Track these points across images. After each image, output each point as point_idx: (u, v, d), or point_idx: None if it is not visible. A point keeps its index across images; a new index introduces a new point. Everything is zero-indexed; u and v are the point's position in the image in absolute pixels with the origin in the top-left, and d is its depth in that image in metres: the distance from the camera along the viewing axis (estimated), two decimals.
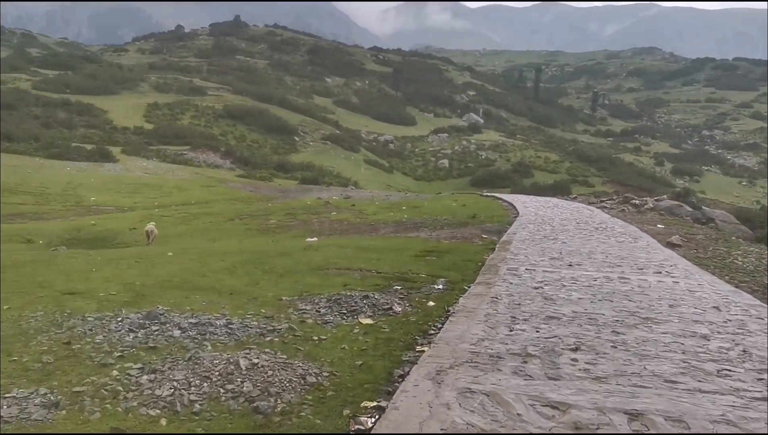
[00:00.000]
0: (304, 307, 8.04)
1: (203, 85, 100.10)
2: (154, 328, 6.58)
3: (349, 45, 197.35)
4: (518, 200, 32.82)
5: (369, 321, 7.55)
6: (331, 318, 7.60)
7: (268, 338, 6.54)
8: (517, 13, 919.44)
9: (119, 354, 5.77)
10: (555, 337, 6.71)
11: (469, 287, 9.77)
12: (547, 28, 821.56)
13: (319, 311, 7.89)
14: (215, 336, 6.48)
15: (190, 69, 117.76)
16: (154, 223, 20.72)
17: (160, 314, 7.07)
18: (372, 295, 8.71)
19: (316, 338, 6.65)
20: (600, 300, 8.71)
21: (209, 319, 7.07)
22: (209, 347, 6.09)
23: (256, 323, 7.06)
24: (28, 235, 27.93)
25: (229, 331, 6.66)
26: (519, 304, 8.31)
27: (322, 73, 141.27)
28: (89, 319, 6.89)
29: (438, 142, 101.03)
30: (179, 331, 6.51)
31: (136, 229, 29.74)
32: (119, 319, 6.93)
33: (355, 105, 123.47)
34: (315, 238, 19.93)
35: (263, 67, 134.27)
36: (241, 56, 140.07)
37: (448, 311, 8.12)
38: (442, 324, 7.46)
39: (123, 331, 6.47)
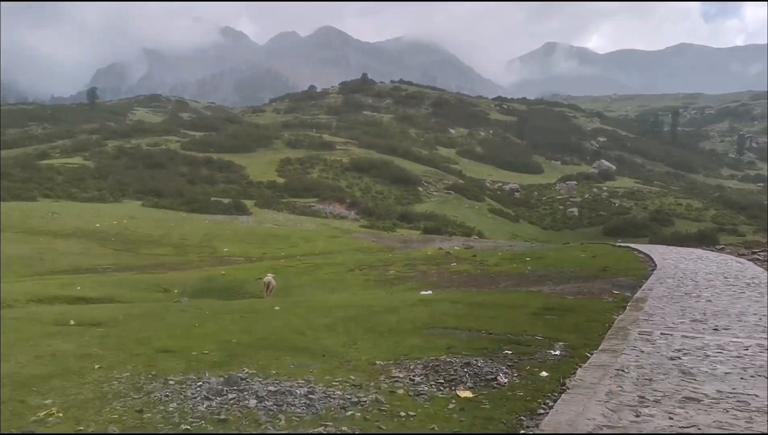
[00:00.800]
0: (397, 374, 7.28)
1: (332, 140, 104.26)
2: (230, 395, 6.12)
3: (473, 96, 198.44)
4: (656, 251, 29.99)
5: (468, 394, 6.63)
6: (426, 388, 6.77)
7: (350, 412, 5.84)
8: (651, 56, 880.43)
9: (186, 426, 5.33)
10: (693, 426, 5.43)
11: (592, 354, 8.52)
12: (684, 70, 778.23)
13: (413, 380, 7.09)
14: (292, 408, 5.89)
15: (320, 125, 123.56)
16: (272, 275, 21.01)
17: (242, 380, 6.63)
18: (475, 362, 7.78)
19: (403, 414, 5.86)
20: (752, 376, 7.16)
21: (290, 386, 6.52)
22: (282, 422, 5.51)
23: (340, 393, 6.40)
24: (165, 284, 29.66)
25: (308, 401, 6.05)
26: (650, 380, 6.99)
27: (446, 124, 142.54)
28: (170, 382, 6.58)
29: (566, 189, 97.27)
30: (255, 401, 5.99)
31: (261, 279, 30.79)
32: (200, 383, 6.56)
33: (479, 154, 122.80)
34: (430, 291, 19.18)
35: (388, 121, 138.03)
36: (367, 111, 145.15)
37: (563, 385, 7.00)
38: (554, 401, 6.38)
39: (199, 398, 6.07)
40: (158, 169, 76.01)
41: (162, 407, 5.81)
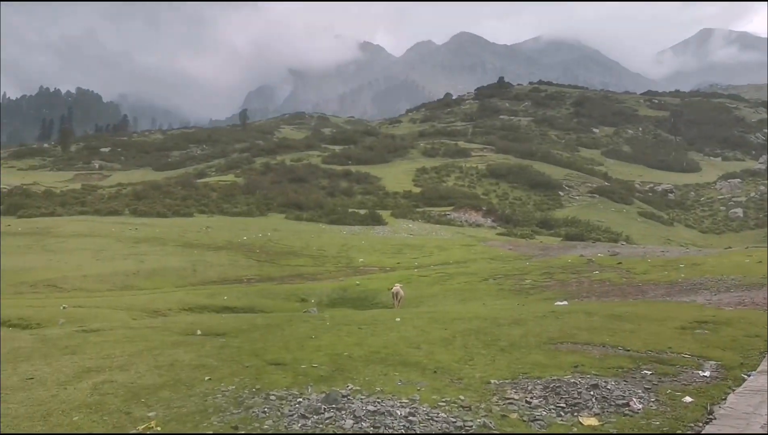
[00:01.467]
0: (512, 396, 6.60)
1: (467, 147, 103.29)
2: (327, 414, 5.83)
3: (619, 92, 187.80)
4: None
5: (593, 422, 5.81)
6: (543, 413, 6.04)
7: None
8: None
9: None
10: None
11: (749, 376, 7.25)
12: None
13: (530, 402, 6.38)
14: (389, 430, 5.44)
15: (455, 133, 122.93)
16: (400, 285, 20.81)
17: (343, 396, 6.32)
18: (605, 384, 6.88)
19: None
20: None
21: (392, 406, 6.09)
22: None
23: (444, 415, 5.87)
24: (303, 294, 30.67)
25: (407, 424, 5.59)
26: None
27: (589, 124, 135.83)
28: (272, 397, 6.43)
29: (729, 188, 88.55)
30: (351, 421, 5.64)
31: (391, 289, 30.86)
32: (300, 399, 6.34)
33: (627, 154, 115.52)
34: (565, 302, 17.94)
35: (526, 124, 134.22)
36: (504, 116, 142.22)
37: (710, 414, 5.94)
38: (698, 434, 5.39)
39: (295, 416, 5.84)
40: (300, 183, 79.54)
41: (257, 424, 5.64)
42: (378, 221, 58.29)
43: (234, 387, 6.86)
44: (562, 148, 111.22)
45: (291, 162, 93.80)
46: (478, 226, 62.51)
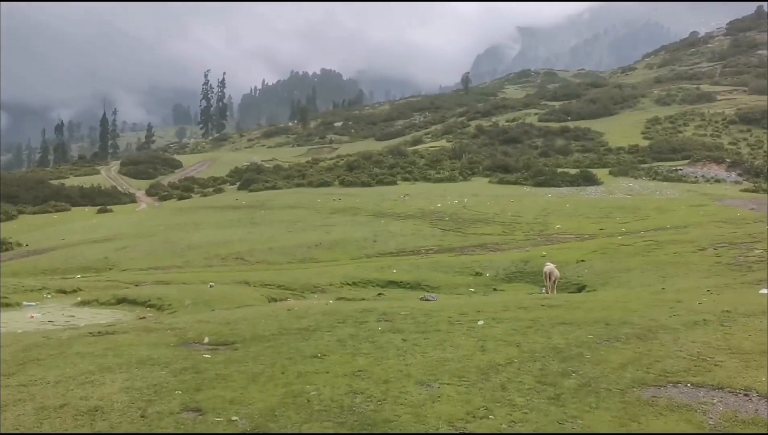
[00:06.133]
0: None
1: (712, 90, 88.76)
2: None
3: None
4: None
5: None
6: None
7: None
8: None
9: None
10: None
11: None
12: None
13: None
14: None
15: (699, 75, 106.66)
16: (553, 265, 17.04)
17: None
18: None
19: None
20: None
21: None
22: None
23: None
24: (479, 267, 27.92)
25: None
26: None
27: None
28: None
29: None
30: None
31: (584, 261, 26.43)
32: None
33: None
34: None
35: None
36: (762, 51, 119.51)
37: None
38: None
39: None
40: (512, 144, 75.41)
41: None
42: (591, 181, 52.36)
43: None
44: None
45: (506, 122, 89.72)
46: (717, 181, 52.80)
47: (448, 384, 6.19)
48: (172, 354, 7.65)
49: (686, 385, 5.81)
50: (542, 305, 10.91)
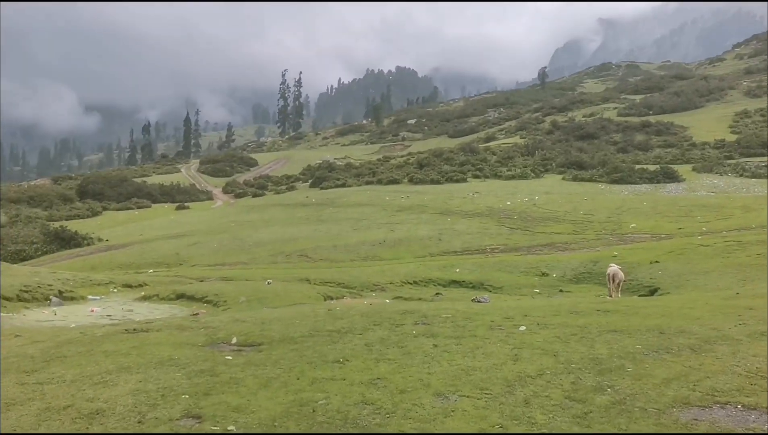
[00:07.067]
0: None
1: None
2: None
3: None
4: None
5: None
6: None
7: None
8: None
9: None
10: None
11: None
12: None
13: None
14: None
15: None
16: (618, 266, 15.99)
17: None
18: None
19: None
20: None
21: None
22: None
23: None
24: (546, 268, 26.95)
25: None
26: None
27: None
28: None
29: None
30: None
31: (658, 262, 24.96)
32: None
33: None
34: None
35: None
36: None
37: None
38: None
39: None
40: (588, 139, 72.67)
41: None
42: (671, 178, 49.63)
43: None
44: None
45: (582, 118, 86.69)
46: None
47: (467, 397, 5.72)
48: (194, 355, 7.56)
49: (736, 407, 5.11)
50: (597, 310, 10.18)
